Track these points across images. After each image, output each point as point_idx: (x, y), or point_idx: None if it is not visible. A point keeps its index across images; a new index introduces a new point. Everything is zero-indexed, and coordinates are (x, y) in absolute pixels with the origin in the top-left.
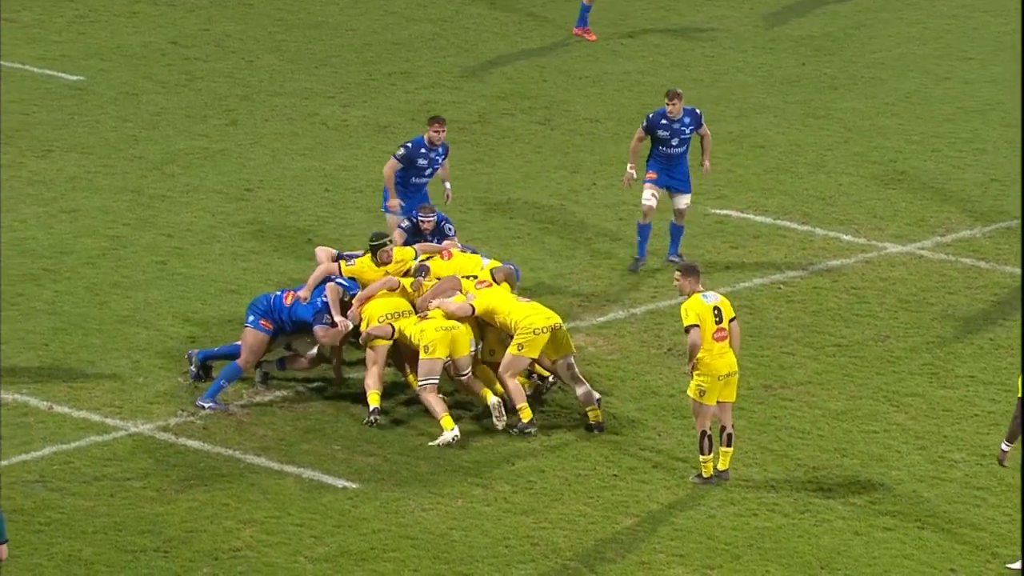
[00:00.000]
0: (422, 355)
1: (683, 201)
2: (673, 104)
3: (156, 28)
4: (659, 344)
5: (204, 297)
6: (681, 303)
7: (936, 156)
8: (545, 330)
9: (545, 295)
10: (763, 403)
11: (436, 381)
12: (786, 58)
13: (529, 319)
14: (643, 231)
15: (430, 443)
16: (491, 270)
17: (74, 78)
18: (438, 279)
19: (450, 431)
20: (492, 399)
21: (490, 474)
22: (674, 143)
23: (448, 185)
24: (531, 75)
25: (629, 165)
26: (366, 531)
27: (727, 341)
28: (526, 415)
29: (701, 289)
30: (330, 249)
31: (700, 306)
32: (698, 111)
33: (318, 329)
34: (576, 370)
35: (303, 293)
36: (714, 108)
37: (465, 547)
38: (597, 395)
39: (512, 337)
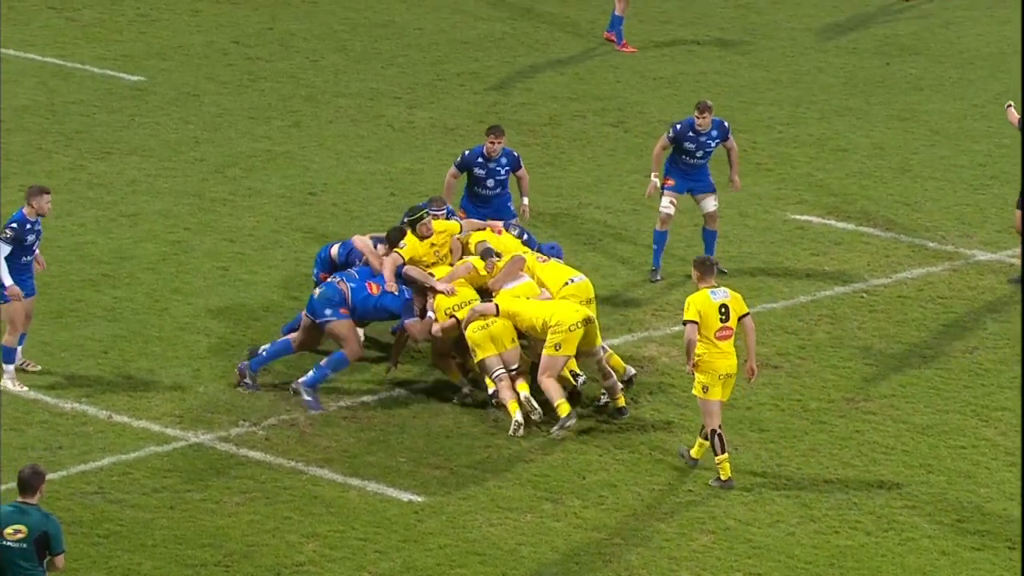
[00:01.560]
0: (475, 358)
1: (711, 203)
2: (704, 117)
3: (218, 27)
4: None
5: (266, 304)
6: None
7: None
8: (579, 325)
9: (617, 304)
10: (845, 416)
11: (503, 370)
12: (869, 58)
13: (559, 317)
14: (659, 239)
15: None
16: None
17: (135, 78)
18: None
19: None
20: (517, 415)
21: (560, 488)
22: (699, 155)
23: (526, 201)
24: (604, 75)
25: (652, 174)
26: (432, 546)
27: (731, 340)
28: (563, 410)
29: (713, 284)
30: (366, 238)
31: (705, 302)
32: (726, 124)
33: (410, 323)
34: (604, 362)
35: (390, 286)
36: (794, 110)
37: (534, 564)
38: (621, 384)
39: (534, 338)
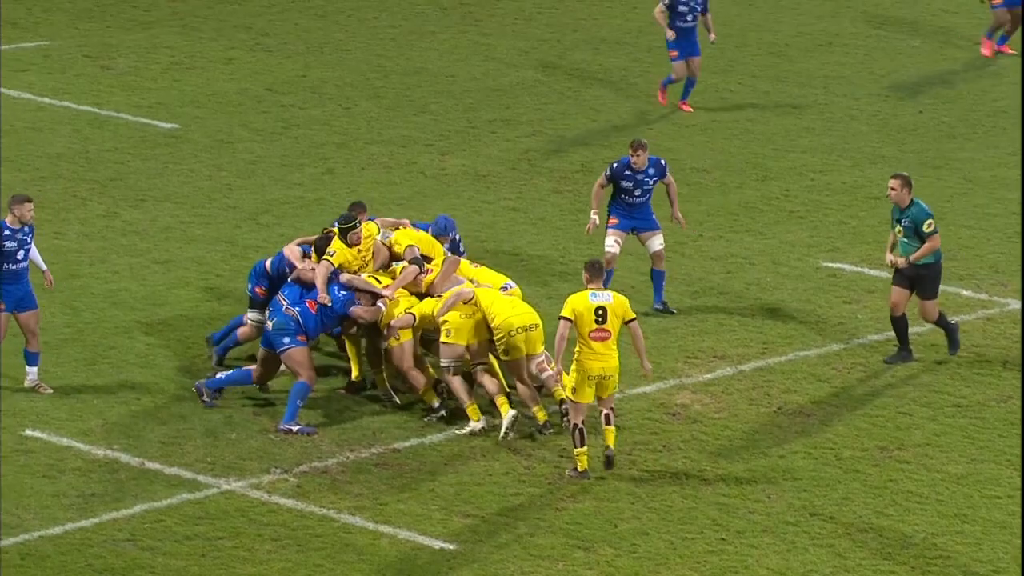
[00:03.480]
0: (443, 338)
1: (656, 242)
2: (638, 155)
3: (252, 75)
4: (768, 402)
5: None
6: None
7: None
8: (521, 330)
9: (649, 350)
10: (879, 465)
11: (460, 365)
12: (902, 106)
13: (508, 319)
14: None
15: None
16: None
17: (169, 126)
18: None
19: (477, 422)
20: (510, 413)
21: (592, 536)
22: (637, 193)
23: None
24: (635, 123)
25: (592, 212)
26: None
27: (607, 342)
28: (541, 416)
29: (599, 288)
30: (295, 247)
31: (582, 302)
32: (663, 161)
33: (356, 309)
34: (534, 371)
35: (323, 298)
36: (827, 157)
37: None
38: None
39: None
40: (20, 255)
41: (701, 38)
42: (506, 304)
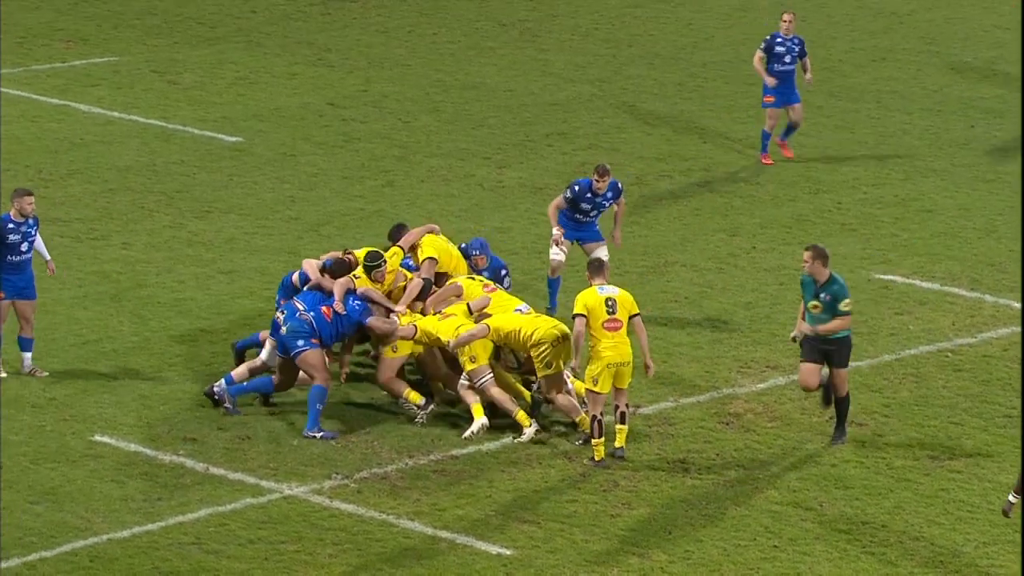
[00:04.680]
0: (468, 366)
1: (601, 253)
2: (602, 181)
3: (314, 89)
4: (820, 412)
5: (362, 359)
6: None
7: None
8: (563, 339)
9: (702, 360)
10: (930, 475)
11: (492, 376)
12: (954, 120)
13: (541, 332)
14: (553, 285)
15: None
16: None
17: (233, 139)
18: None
19: (529, 427)
20: (483, 420)
21: (646, 543)
22: (593, 214)
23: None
24: (690, 136)
25: (555, 229)
26: None
27: (620, 332)
28: (584, 425)
29: (602, 282)
30: (315, 262)
31: (592, 297)
32: (620, 185)
33: (372, 321)
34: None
35: (338, 306)
36: (879, 171)
37: None
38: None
39: (515, 352)
40: (24, 247)
41: (798, 79)
42: (536, 320)
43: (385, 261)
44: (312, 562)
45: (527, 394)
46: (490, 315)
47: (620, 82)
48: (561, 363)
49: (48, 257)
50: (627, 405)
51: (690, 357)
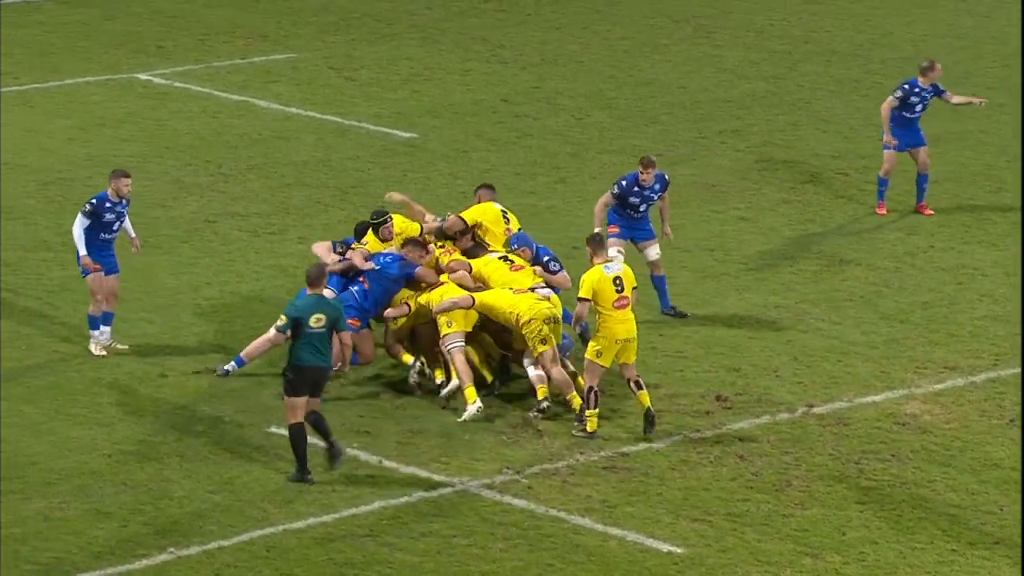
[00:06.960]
0: (444, 329)
1: (653, 251)
2: (648, 173)
3: (487, 86)
4: (1000, 414)
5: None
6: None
7: None
8: (554, 320)
9: (879, 360)
10: None
11: (463, 343)
12: None
13: (540, 310)
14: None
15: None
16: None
17: (408, 135)
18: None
19: (473, 403)
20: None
21: (820, 543)
22: (642, 208)
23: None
24: (867, 133)
25: (597, 229)
26: None
27: (628, 308)
28: (576, 403)
29: (607, 259)
30: (326, 242)
31: (599, 278)
32: (666, 176)
33: (422, 271)
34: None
35: (367, 265)
36: None
37: None
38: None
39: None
40: (116, 226)
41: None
42: (528, 298)
43: (391, 217)
44: (484, 556)
45: (489, 377)
46: (485, 288)
47: (795, 79)
48: (553, 339)
49: (133, 235)
50: (637, 376)
51: (865, 356)
